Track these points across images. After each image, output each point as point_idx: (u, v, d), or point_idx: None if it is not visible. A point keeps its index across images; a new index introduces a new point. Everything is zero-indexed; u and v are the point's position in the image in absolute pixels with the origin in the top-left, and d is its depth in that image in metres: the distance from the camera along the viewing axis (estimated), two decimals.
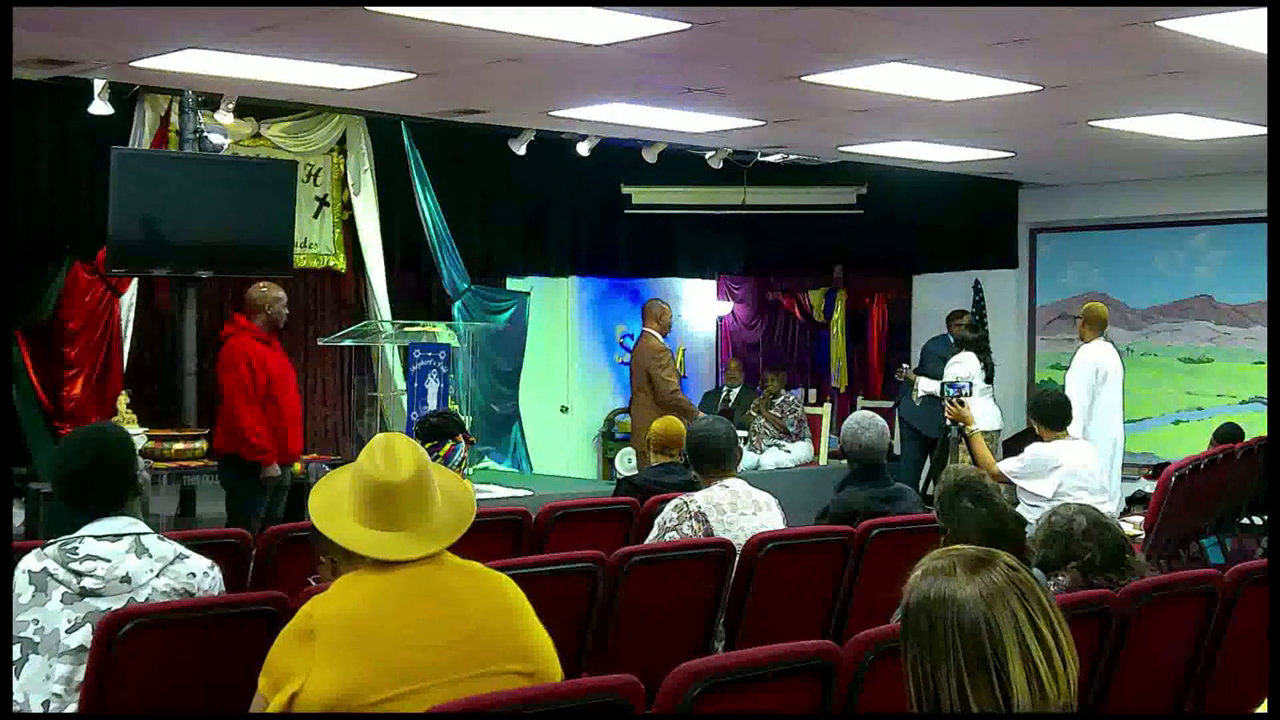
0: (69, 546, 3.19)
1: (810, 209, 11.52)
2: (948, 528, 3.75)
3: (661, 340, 9.20)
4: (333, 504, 2.76)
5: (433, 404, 8.25)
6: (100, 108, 7.55)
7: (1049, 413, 6.60)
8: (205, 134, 7.91)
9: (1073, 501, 3.99)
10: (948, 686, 1.87)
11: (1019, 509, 5.95)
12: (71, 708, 3.11)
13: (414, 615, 2.61)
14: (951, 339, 10.41)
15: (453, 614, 2.65)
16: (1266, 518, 8.84)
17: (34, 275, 8.03)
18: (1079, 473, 6.39)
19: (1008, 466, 6.60)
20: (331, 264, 9.37)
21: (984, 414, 9.56)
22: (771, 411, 10.88)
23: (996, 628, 1.87)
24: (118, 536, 3.22)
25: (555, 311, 11.19)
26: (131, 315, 8.38)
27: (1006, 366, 11.29)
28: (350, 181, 9.28)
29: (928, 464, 10.62)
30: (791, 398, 11.26)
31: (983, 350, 9.91)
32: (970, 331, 10.17)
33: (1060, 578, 3.67)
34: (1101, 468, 7.11)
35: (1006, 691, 1.85)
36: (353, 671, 2.52)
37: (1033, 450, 6.55)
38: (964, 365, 9.60)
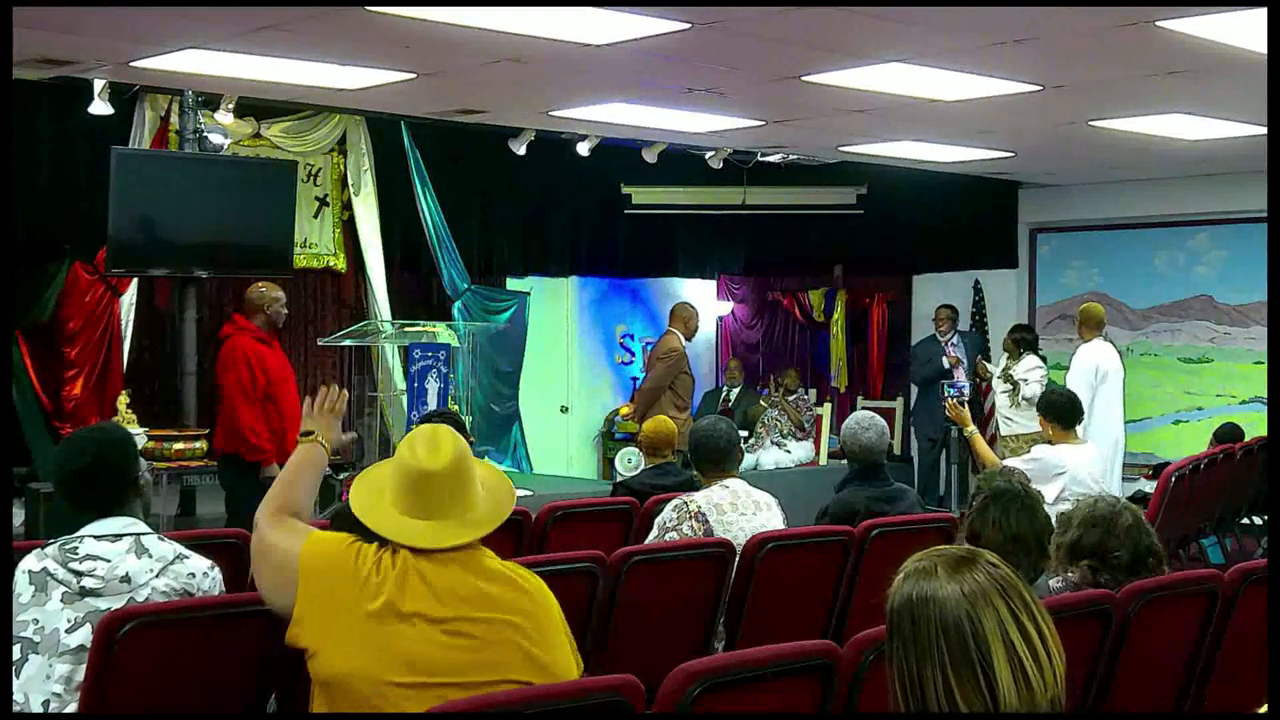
0: (69, 546, 3.19)
1: (810, 209, 11.52)
2: (971, 525, 3.71)
3: (681, 341, 9.20)
4: (373, 493, 2.80)
5: (433, 404, 8.24)
6: (100, 108, 7.55)
7: (1062, 412, 6.55)
8: (205, 134, 7.91)
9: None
10: (934, 686, 1.88)
11: None
12: (71, 707, 3.11)
13: (443, 612, 2.64)
14: (1005, 348, 10.38)
15: (481, 618, 2.67)
16: (1266, 518, 8.84)
17: (34, 275, 8.03)
18: (1083, 479, 6.38)
19: (1014, 467, 6.60)
20: (331, 264, 9.37)
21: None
22: (789, 402, 10.85)
23: (980, 625, 1.87)
24: (118, 536, 3.22)
25: (555, 311, 11.19)
26: (131, 315, 8.38)
27: None
28: (350, 181, 9.28)
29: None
30: (805, 396, 11.28)
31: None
32: (1028, 333, 10.32)
33: (1070, 575, 3.64)
34: (1103, 468, 7.11)
35: (993, 688, 1.85)
36: (367, 651, 2.58)
37: (1039, 452, 6.55)
38: (1042, 368, 10.03)
